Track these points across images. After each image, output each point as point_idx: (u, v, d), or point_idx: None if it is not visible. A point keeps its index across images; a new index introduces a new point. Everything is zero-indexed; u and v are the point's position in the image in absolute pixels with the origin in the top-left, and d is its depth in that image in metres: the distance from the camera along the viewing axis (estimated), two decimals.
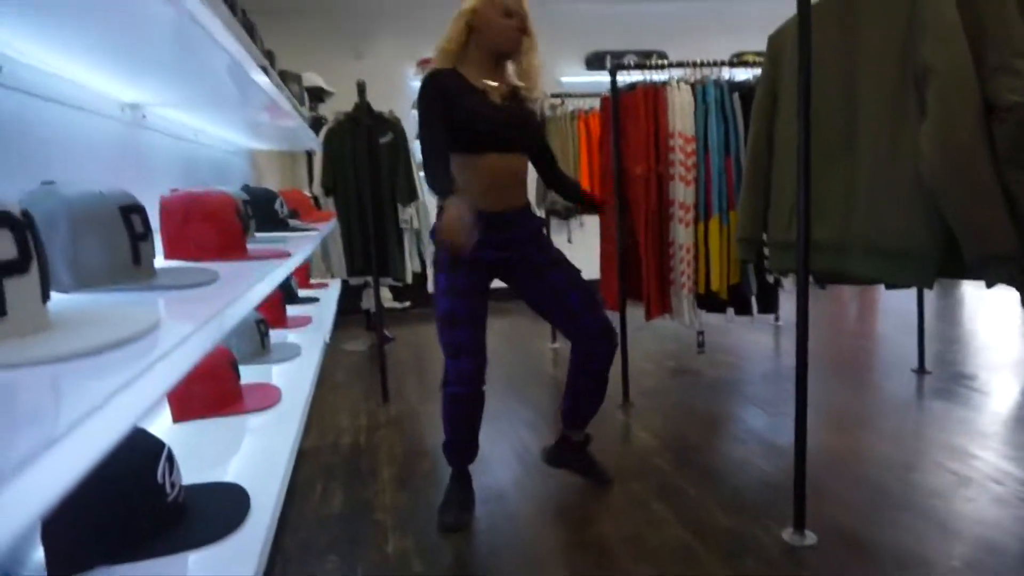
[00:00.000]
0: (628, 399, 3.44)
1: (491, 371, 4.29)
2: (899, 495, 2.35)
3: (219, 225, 1.12)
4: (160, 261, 1.10)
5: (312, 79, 4.80)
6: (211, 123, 1.68)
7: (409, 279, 3.99)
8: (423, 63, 6.12)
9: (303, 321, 2.14)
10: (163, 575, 0.75)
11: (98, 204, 0.79)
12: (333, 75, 5.66)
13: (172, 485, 0.83)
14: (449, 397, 2.32)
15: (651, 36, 6.56)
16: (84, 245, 0.76)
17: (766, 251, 2.34)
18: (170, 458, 0.84)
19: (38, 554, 0.75)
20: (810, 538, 2.09)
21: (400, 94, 6.16)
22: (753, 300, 3.41)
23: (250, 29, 2.93)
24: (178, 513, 0.83)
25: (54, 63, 0.89)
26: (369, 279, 3.86)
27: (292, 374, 1.58)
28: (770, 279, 3.25)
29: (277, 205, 1.93)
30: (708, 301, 3.36)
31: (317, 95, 4.88)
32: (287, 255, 1.20)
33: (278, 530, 2.22)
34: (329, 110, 4.79)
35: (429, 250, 4.37)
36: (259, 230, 1.85)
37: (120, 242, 0.80)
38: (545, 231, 2.41)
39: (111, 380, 0.41)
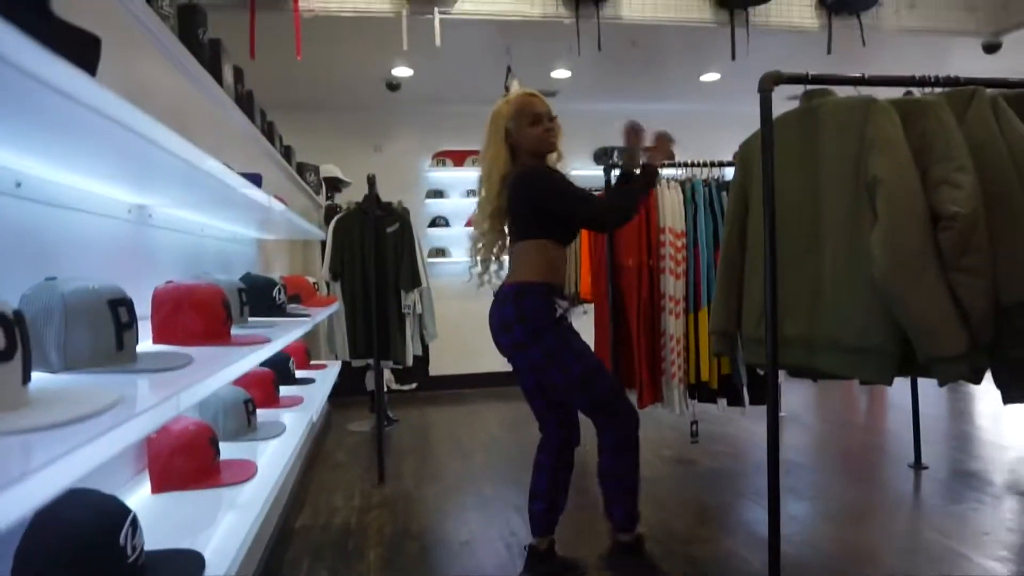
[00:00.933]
0: None
1: (488, 458, 4.35)
2: None
3: (205, 314, 1.26)
4: (148, 346, 1.23)
5: (330, 170, 5.08)
6: (216, 219, 1.85)
7: (410, 362, 4.11)
8: (438, 156, 6.45)
9: (295, 401, 2.25)
10: None
11: (89, 297, 0.92)
12: (352, 166, 5.97)
13: (133, 548, 0.93)
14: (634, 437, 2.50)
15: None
16: (73, 333, 0.89)
17: (739, 345, 2.43)
18: (134, 523, 0.94)
19: None
20: None
21: (415, 186, 6.46)
22: (744, 391, 3.46)
23: (269, 130, 3.19)
24: (136, 574, 0.93)
25: (67, 176, 1.05)
26: (371, 361, 3.98)
27: (274, 451, 1.68)
28: (760, 371, 3.32)
29: (275, 292, 2.08)
30: (699, 391, 3.42)
31: (334, 185, 5.15)
32: (266, 341, 1.32)
33: None
34: (345, 200, 5.05)
35: (431, 333, 4.50)
36: (256, 314, 1.99)
37: (106, 331, 0.93)
38: None
39: (62, 447, 0.53)
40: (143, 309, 1.30)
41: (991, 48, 5.06)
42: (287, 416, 2.08)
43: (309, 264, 4.78)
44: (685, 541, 2.86)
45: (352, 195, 5.16)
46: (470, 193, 6.44)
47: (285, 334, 1.63)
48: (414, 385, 4.97)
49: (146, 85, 1.55)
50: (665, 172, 3.50)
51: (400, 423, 5.26)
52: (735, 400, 3.49)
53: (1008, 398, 1.99)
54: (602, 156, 6.78)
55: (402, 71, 5.32)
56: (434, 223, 6.44)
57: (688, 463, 3.97)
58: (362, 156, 6.31)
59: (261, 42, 3.85)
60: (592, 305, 5.56)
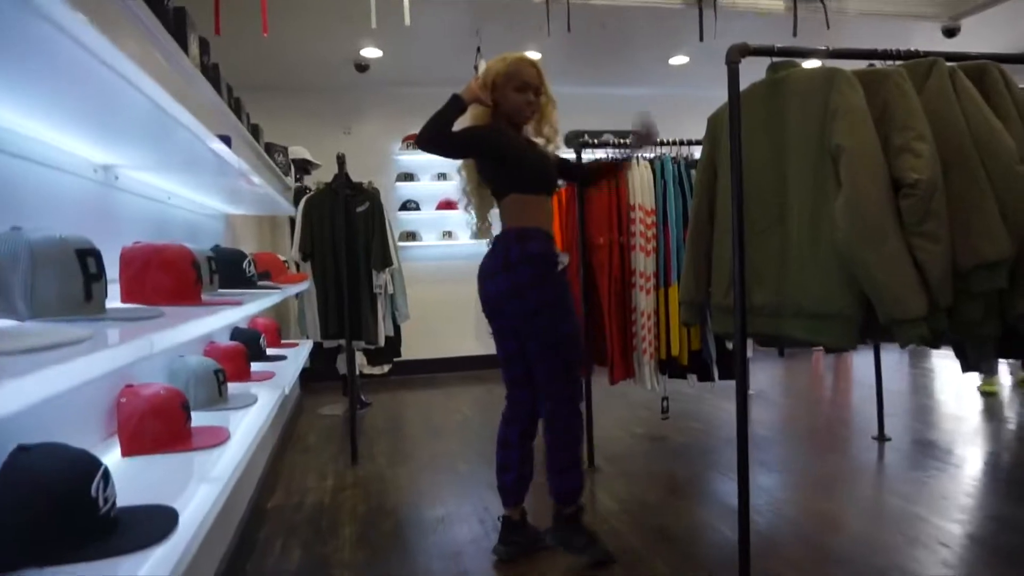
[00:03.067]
0: (593, 464, 3.50)
1: (462, 438, 4.35)
2: (845, 554, 2.41)
3: (175, 273, 1.25)
4: (117, 304, 1.22)
5: (299, 152, 5.02)
6: (184, 187, 1.82)
7: (382, 342, 4.09)
8: (407, 139, 6.41)
9: (266, 376, 2.23)
10: None
11: (57, 246, 0.91)
12: (322, 149, 5.90)
13: (105, 500, 0.92)
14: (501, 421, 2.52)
15: (626, 117, 6.87)
16: (41, 280, 0.88)
17: (708, 314, 2.47)
18: (106, 476, 0.93)
19: None
20: None
21: (385, 169, 6.42)
22: (714, 367, 3.51)
23: (236, 105, 3.14)
24: (109, 526, 0.92)
25: (34, 127, 1.02)
26: (342, 342, 3.96)
27: (246, 420, 1.67)
28: (729, 345, 3.37)
29: (245, 264, 2.06)
30: (670, 366, 3.46)
31: (303, 167, 5.09)
32: (237, 303, 1.32)
33: None
34: (314, 181, 5.00)
35: (403, 314, 4.48)
36: (225, 286, 1.97)
37: (74, 280, 0.92)
38: None
39: (30, 365, 0.52)
40: (111, 272, 1.29)
41: (951, 32, 5.18)
42: (258, 389, 2.06)
43: (278, 243, 4.73)
44: (656, 512, 2.90)
45: (321, 177, 5.11)
46: (440, 176, 6.42)
47: (256, 299, 1.62)
48: (386, 369, 4.95)
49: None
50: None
51: (373, 406, 5.25)
52: (705, 375, 3.55)
53: (966, 367, 2.06)
54: (574, 140, 6.80)
55: (371, 52, 5.27)
56: (404, 207, 6.40)
57: (659, 439, 4.03)
58: (331, 139, 6.24)
59: (227, 19, 3.78)
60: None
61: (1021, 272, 1.85)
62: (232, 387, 1.95)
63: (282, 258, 2.95)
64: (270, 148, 4.23)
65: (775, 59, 2.15)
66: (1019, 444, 3.71)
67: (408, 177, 6.40)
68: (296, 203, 4.83)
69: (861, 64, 2.26)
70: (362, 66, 5.45)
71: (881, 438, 3.83)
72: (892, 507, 2.88)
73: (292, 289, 2.51)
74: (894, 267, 1.78)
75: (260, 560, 2.54)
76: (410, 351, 5.30)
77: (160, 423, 1.31)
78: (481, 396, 5.44)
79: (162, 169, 1.54)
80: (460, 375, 6.34)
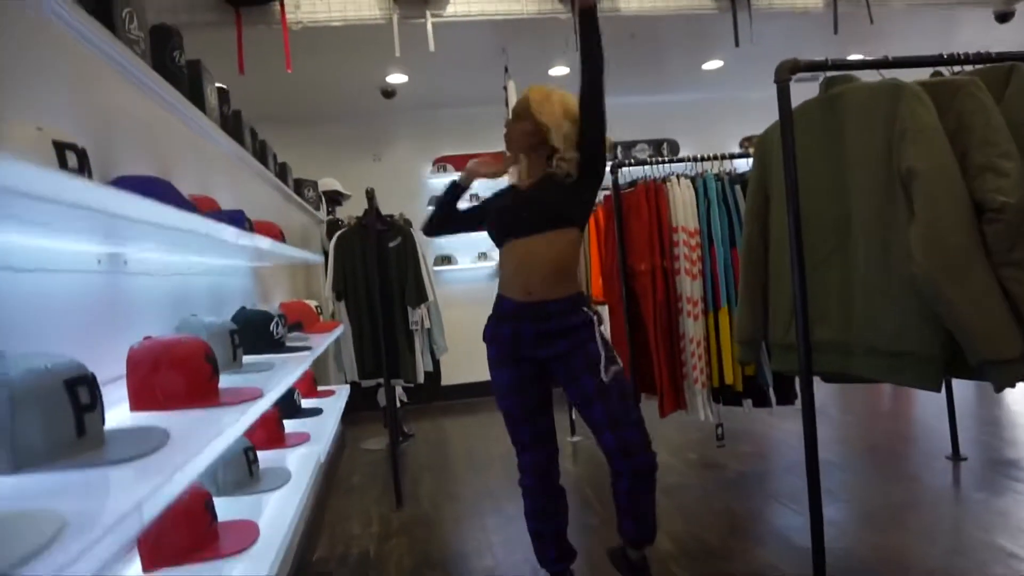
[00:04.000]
0: None
1: (506, 472, 4.20)
2: None
3: (187, 371, 1.13)
4: (124, 414, 1.11)
5: (329, 184, 4.96)
6: (201, 256, 1.73)
7: (421, 379, 3.98)
8: (439, 162, 6.33)
9: (301, 439, 2.12)
10: None
11: (41, 379, 0.80)
12: (353, 178, 5.85)
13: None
14: (523, 492, 2.32)
15: (660, 125, 6.71)
16: (24, 423, 0.77)
17: (767, 352, 2.29)
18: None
19: None
20: None
21: (416, 194, 6.34)
22: (771, 391, 3.32)
23: (262, 148, 3.07)
24: None
25: (24, 239, 0.92)
26: (381, 381, 3.86)
27: (279, 503, 1.56)
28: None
29: (272, 326, 1.96)
30: (724, 394, 3.28)
31: (334, 198, 5.03)
32: (257, 396, 1.20)
33: None
34: (345, 215, 4.93)
35: (440, 347, 4.37)
36: (254, 351, 1.87)
37: (63, 417, 0.80)
38: (596, 327, 2.15)
39: None
40: (120, 369, 1.19)
41: (1004, 17, 4.88)
42: (293, 457, 1.96)
43: (312, 283, 4.66)
44: (719, 556, 2.72)
45: (353, 208, 5.04)
46: (475, 198, 6.31)
47: (282, 377, 1.51)
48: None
49: (116, 117, 1.43)
50: (675, 167, 3.37)
51: (415, 437, 5.15)
52: (761, 401, 3.35)
53: None
54: (613, 149, 6.65)
55: (396, 77, 5.19)
56: None
57: (715, 467, 3.83)
58: (361, 167, 6.20)
59: (250, 57, 3.74)
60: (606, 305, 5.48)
61: None
62: (264, 458, 1.84)
63: (314, 304, 2.85)
64: (299, 184, 4.17)
65: (829, 74, 1.98)
66: None
67: None
68: (329, 236, 4.78)
69: (924, 72, 2.07)
70: (389, 92, 5.38)
71: (956, 457, 3.58)
72: (975, 541, 2.65)
73: (324, 342, 2.41)
74: (982, 302, 1.59)
75: None
76: (449, 376, 5.18)
77: (183, 531, 1.20)
78: None
79: (177, 251, 1.44)
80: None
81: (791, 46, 5.32)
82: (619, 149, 6.66)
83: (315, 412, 2.54)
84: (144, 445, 0.86)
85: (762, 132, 2.28)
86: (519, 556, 2.85)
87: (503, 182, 2.46)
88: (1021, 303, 1.61)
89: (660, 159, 3.35)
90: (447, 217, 2.36)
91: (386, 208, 5.10)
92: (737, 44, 4.36)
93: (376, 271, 3.42)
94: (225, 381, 1.36)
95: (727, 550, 2.78)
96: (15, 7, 1.09)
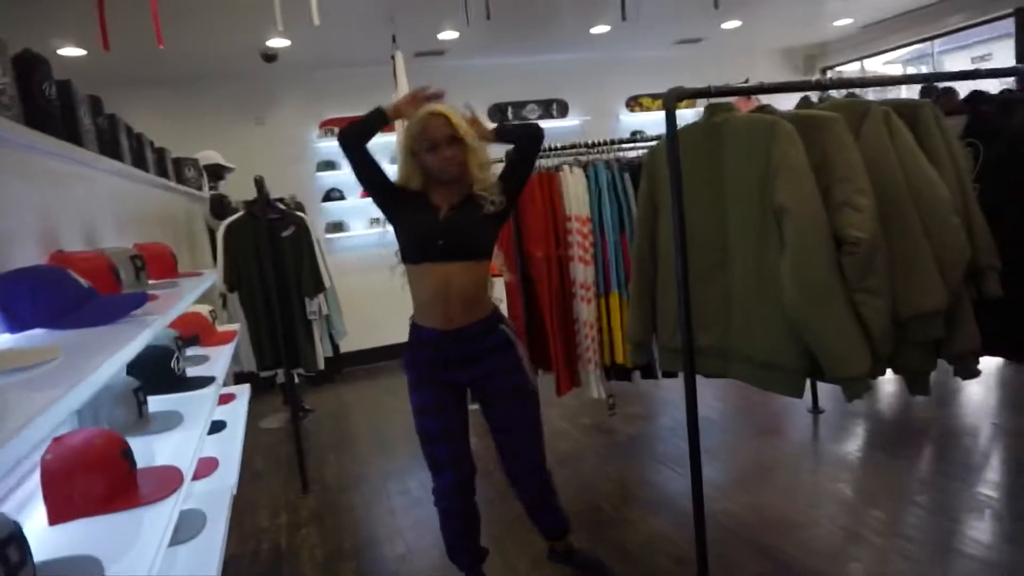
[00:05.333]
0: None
1: (411, 447, 4.26)
2: (794, 562, 2.52)
3: (105, 474, 1.13)
4: (43, 531, 1.10)
5: (210, 156, 4.71)
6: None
7: (321, 366, 3.97)
8: (325, 125, 6.11)
9: (209, 467, 2.11)
10: None
11: None
12: (235, 143, 5.57)
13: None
14: (439, 512, 2.35)
15: (550, 85, 6.75)
16: None
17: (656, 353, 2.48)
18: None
19: None
20: None
21: (303, 158, 6.12)
22: (658, 366, 3.56)
23: (138, 143, 2.89)
24: None
25: None
26: (280, 372, 3.82)
27: (198, 556, 1.58)
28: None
29: (172, 363, 1.92)
30: (615, 371, 3.49)
31: (216, 172, 4.78)
32: (180, 480, 1.22)
33: None
34: (234, 194, 4.71)
35: (340, 332, 4.35)
36: (156, 392, 1.84)
37: None
38: (516, 348, 2.24)
39: None
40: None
41: None
42: (202, 491, 1.96)
43: (199, 263, 4.46)
44: (614, 525, 2.96)
45: (238, 183, 4.82)
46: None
47: (193, 438, 1.51)
48: None
49: None
50: (566, 158, 3.46)
51: (316, 412, 5.14)
52: (648, 374, 3.59)
53: (911, 392, 2.12)
54: (497, 113, 6.63)
55: (278, 42, 4.93)
56: (328, 196, 6.15)
57: (608, 432, 4.09)
58: (243, 131, 5.89)
59: (120, 23, 3.45)
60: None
61: (956, 318, 1.90)
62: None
63: (207, 310, 2.77)
64: (179, 163, 3.94)
65: (712, 100, 2.10)
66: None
67: (330, 165, 6.12)
68: (213, 212, 4.56)
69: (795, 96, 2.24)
70: (270, 56, 5.11)
71: (816, 410, 4.00)
72: (826, 493, 3.02)
73: (224, 357, 2.38)
74: (840, 329, 1.81)
75: None
76: (348, 343, 5.15)
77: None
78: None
79: None
80: (398, 363, 6.26)
81: (674, 15, 5.48)
82: (510, 110, 6.67)
83: (219, 427, 2.51)
84: None
85: (651, 149, 2.39)
86: (428, 541, 2.99)
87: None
88: (870, 324, 1.84)
89: (553, 148, 3.41)
90: (364, 139, 2.15)
91: (275, 177, 4.92)
92: (624, 18, 4.44)
93: (271, 263, 3.34)
94: (136, 445, 1.34)
95: (621, 519, 3.03)
96: None
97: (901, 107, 2.00)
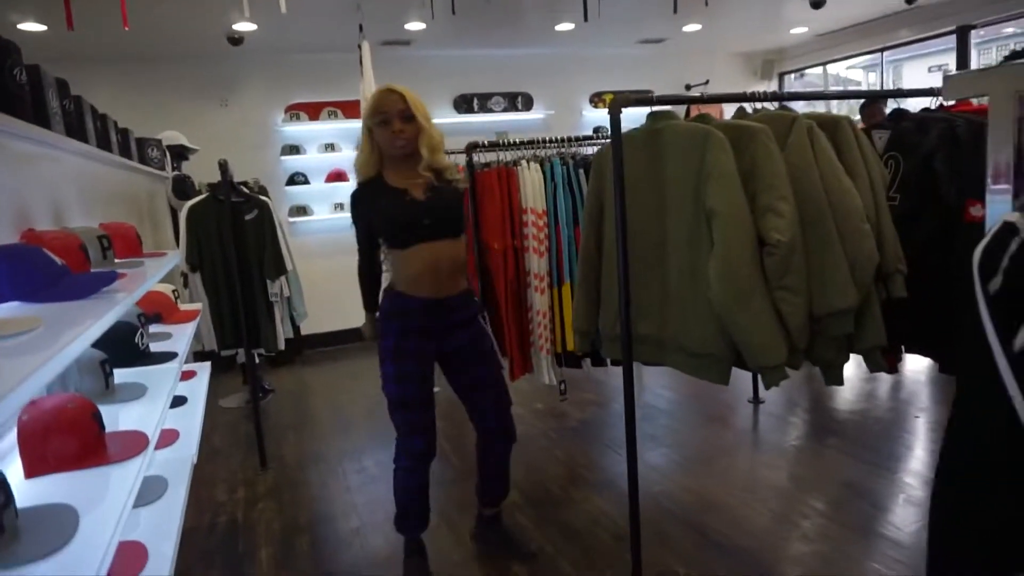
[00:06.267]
0: None
1: (370, 429, 4.39)
2: (725, 540, 2.71)
3: (77, 434, 1.24)
4: (20, 483, 1.21)
5: (173, 137, 4.73)
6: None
7: (282, 346, 4.06)
8: (291, 109, 6.15)
9: (170, 437, 2.21)
10: None
11: None
12: (199, 124, 5.59)
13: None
14: (402, 472, 2.47)
15: (516, 78, 6.87)
16: None
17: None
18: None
19: None
20: None
21: (268, 142, 6.15)
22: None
23: (103, 124, 2.94)
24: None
25: None
26: (240, 351, 3.90)
27: (158, 520, 1.69)
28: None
29: (136, 338, 2.02)
30: (565, 358, 3.66)
31: (180, 153, 4.81)
32: (145, 443, 1.33)
33: None
34: (197, 175, 4.75)
35: (300, 314, 4.44)
36: (121, 365, 1.93)
37: None
38: (482, 318, 2.50)
39: None
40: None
41: (817, 5, 5.43)
42: (164, 460, 2.06)
43: (160, 242, 4.50)
44: (560, 503, 3.14)
45: (201, 165, 4.85)
46: (328, 148, 6.24)
47: (157, 407, 1.62)
48: None
49: None
50: (524, 152, 3.60)
51: (276, 392, 5.22)
52: (598, 361, 3.76)
53: (826, 382, 2.32)
54: (462, 104, 6.73)
55: (244, 26, 4.96)
56: (292, 180, 6.20)
57: (559, 416, 4.27)
58: (208, 112, 5.91)
59: (83, 1, 3.48)
60: None
61: (865, 315, 2.10)
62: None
63: (169, 289, 2.85)
64: (142, 144, 3.98)
65: (655, 108, 2.26)
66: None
67: (294, 150, 6.17)
68: (175, 193, 4.60)
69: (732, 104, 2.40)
70: (236, 39, 5.13)
71: (756, 400, 4.23)
72: (763, 481, 3.23)
73: (185, 337, 2.47)
74: (760, 322, 1.98)
75: None
76: (310, 326, 5.23)
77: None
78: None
79: None
80: (360, 345, 6.34)
81: (634, 15, 5.63)
82: (475, 101, 6.78)
83: (180, 401, 2.60)
84: (59, 533, 0.99)
85: (599, 150, 2.54)
86: (381, 516, 3.12)
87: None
88: (788, 319, 2.02)
89: (513, 143, 3.54)
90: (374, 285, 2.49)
91: (239, 160, 4.97)
92: (586, 19, 4.58)
93: (233, 245, 3.42)
94: (103, 413, 1.45)
95: (567, 498, 3.20)
96: None
97: (824, 121, 2.18)
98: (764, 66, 7.88)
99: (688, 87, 7.45)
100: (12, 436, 1.29)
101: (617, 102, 2.14)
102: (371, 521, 3.10)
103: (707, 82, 7.36)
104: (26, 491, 1.15)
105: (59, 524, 1.02)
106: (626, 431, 2.32)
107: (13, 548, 0.95)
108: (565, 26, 5.84)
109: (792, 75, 8.01)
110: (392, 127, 2.21)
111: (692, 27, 6.16)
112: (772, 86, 7.97)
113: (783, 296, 2.01)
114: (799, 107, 7.19)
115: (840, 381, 2.28)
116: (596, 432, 4.07)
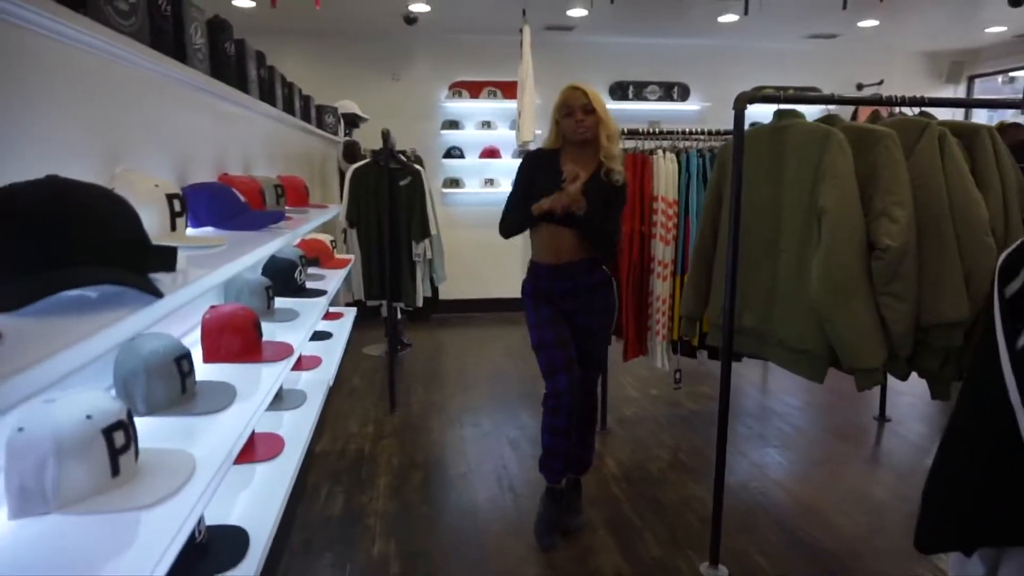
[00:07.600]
0: (605, 426, 3.87)
1: (491, 392, 4.70)
2: (808, 539, 2.73)
3: (242, 336, 1.58)
4: (199, 366, 1.56)
5: (348, 106, 5.25)
6: None
7: (420, 303, 4.47)
8: (454, 87, 6.55)
9: (313, 363, 2.60)
10: None
11: (162, 359, 1.24)
12: (371, 95, 6.12)
13: (199, 531, 1.29)
14: (548, 412, 2.63)
15: (673, 68, 6.87)
16: (153, 388, 1.22)
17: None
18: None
19: None
20: (722, 571, 2.49)
21: (431, 115, 6.60)
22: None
23: (289, 91, 3.39)
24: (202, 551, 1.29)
25: None
26: (384, 302, 4.34)
27: (296, 421, 2.04)
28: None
29: (296, 274, 2.39)
30: (681, 346, 3.74)
31: (352, 120, 5.33)
32: (289, 353, 1.65)
33: (287, 526, 2.68)
34: (364, 142, 5.25)
35: (440, 276, 4.82)
36: (282, 295, 2.31)
37: (174, 383, 1.25)
38: (613, 287, 2.67)
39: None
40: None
41: (1017, 2, 4.99)
42: (306, 380, 2.43)
43: (326, 197, 5.05)
44: (654, 483, 3.26)
45: (370, 133, 5.35)
46: (484, 125, 6.59)
47: (304, 329, 1.96)
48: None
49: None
50: (663, 143, 3.69)
51: (413, 347, 5.68)
52: (715, 355, 3.81)
53: (932, 396, 2.28)
54: (618, 90, 6.83)
55: (419, 7, 5.37)
56: (449, 154, 6.62)
57: (672, 404, 4.35)
58: (380, 84, 6.44)
59: None
60: None
61: (976, 332, 2.05)
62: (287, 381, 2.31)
63: (328, 239, 3.27)
64: (321, 110, 4.48)
65: (781, 107, 2.30)
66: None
67: (453, 125, 6.58)
68: (345, 157, 5.12)
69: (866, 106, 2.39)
70: (411, 19, 5.57)
71: (882, 418, 4.08)
72: (877, 499, 3.15)
73: (336, 280, 2.85)
74: (857, 323, 2.01)
75: (309, 505, 3.01)
76: (450, 291, 5.64)
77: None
78: (514, 343, 5.79)
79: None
80: (494, 316, 6.72)
81: (802, 11, 5.46)
82: (631, 89, 6.86)
83: (325, 336, 3.01)
84: (222, 399, 1.31)
85: (723, 144, 2.61)
86: (488, 467, 3.41)
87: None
88: (891, 325, 2.02)
89: (652, 132, 3.65)
90: (517, 233, 2.66)
91: (402, 131, 5.42)
92: (747, 12, 4.54)
93: (387, 206, 3.82)
94: (265, 329, 1.81)
95: (664, 479, 3.32)
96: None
97: (960, 128, 2.13)
98: (952, 68, 7.28)
99: (860, 86, 7.08)
100: (196, 332, 1.66)
101: (742, 98, 2.22)
102: (478, 470, 3.39)
103: (881, 82, 6.95)
104: (203, 371, 1.50)
105: (224, 394, 1.34)
106: (719, 409, 2.42)
107: (193, 404, 1.28)
108: (729, 17, 5.77)
109: (989, 77, 7.31)
110: (575, 117, 2.52)
111: (868, 23, 5.87)
112: (960, 91, 7.36)
113: (887, 302, 2.02)
114: (981, 116, 6.62)
115: (946, 396, 2.23)
116: (705, 424, 4.11)
